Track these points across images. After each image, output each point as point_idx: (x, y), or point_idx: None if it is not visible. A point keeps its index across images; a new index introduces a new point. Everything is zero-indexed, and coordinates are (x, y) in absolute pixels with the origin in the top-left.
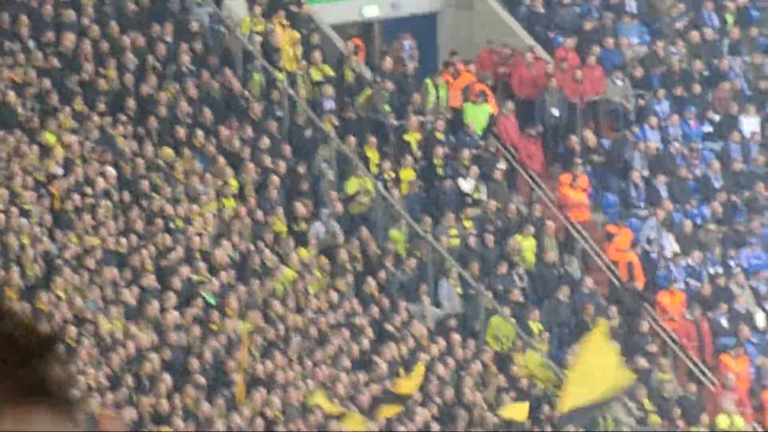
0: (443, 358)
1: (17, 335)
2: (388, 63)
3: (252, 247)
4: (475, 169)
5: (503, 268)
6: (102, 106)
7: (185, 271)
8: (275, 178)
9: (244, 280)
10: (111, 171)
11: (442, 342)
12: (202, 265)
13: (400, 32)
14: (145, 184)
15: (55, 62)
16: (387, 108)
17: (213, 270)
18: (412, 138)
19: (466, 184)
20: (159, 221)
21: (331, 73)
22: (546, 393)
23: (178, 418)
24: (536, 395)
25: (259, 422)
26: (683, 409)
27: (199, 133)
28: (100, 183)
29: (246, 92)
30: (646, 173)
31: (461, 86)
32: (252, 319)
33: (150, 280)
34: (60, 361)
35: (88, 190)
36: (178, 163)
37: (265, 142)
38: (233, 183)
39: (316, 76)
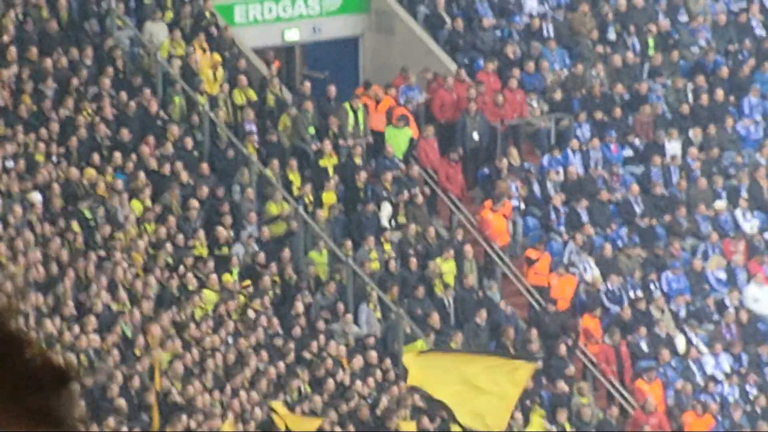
0: (362, 376)
1: (33, 364)
2: (307, 87)
3: (172, 273)
4: (389, 201)
5: (422, 292)
6: (20, 129)
7: (106, 298)
8: (195, 201)
9: (163, 308)
10: (36, 196)
11: (360, 360)
12: (123, 295)
13: (321, 56)
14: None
15: None
16: (311, 131)
17: (133, 300)
18: (329, 162)
19: (384, 213)
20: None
21: (254, 97)
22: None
23: None
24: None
25: None
26: None
27: (116, 154)
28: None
29: (163, 114)
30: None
31: (383, 110)
32: (170, 347)
33: (70, 309)
34: (70, 394)
35: (10, 218)
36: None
37: (184, 163)
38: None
39: (239, 99)
